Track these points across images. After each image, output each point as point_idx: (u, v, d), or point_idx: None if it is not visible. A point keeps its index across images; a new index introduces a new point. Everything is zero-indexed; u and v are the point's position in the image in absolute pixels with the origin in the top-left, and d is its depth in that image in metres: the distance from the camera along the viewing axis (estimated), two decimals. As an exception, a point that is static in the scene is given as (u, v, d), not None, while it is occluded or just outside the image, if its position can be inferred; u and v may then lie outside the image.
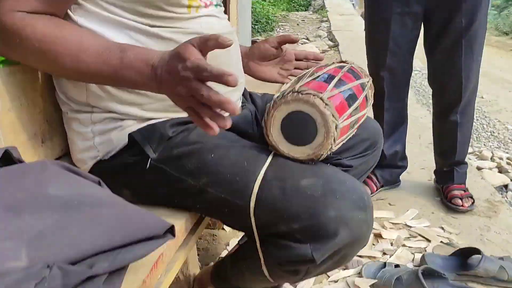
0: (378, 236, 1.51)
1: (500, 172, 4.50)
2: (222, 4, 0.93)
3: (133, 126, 0.80)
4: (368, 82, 0.89)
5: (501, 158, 4.78)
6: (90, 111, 0.81)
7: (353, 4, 11.57)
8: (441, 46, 1.62)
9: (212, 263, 1.18)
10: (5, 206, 0.58)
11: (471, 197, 1.77)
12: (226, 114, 0.60)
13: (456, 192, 1.76)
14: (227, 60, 0.86)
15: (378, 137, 1.04)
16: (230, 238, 1.45)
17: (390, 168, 1.86)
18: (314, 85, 0.77)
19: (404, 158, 1.89)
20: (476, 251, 1.32)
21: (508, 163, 4.67)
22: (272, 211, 0.73)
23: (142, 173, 0.80)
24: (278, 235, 0.74)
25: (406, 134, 1.88)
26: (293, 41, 0.99)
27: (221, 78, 0.56)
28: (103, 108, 0.80)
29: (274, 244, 0.75)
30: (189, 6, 0.79)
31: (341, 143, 0.81)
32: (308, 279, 1.27)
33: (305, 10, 10.01)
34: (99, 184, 0.69)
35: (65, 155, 0.91)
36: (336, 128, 0.74)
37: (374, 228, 1.54)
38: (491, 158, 4.89)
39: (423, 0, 1.56)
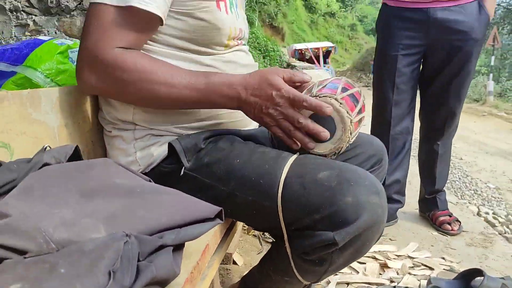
0: (384, 265, 1.57)
1: (488, 226, 4.62)
2: (247, 45, 1.10)
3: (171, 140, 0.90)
4: (361, 90, 1.02)
5: (487, 213, 4.93)
6: (133, 129, 0.91)
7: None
8: (433, 87, 1.87)
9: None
10: (80, 192, 0.66)
11: (458, 221, 1.95)
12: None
13: (443, 218, 1.94)
14: None
15: (383, 154, 1.14)
16: (243, 272, 1.48)
17: (388, 203, 1.95)
18: (326, 90, 0.88)
19: (403, 193, 2.02)
20: (479, 272, 1.39)
21: (494, 218, 4.81)
22: (296, 206, 0.80)
23: (176, 181, 0.88)
24: (304, 228, 0.80)
25: (408, 169, 2.01)
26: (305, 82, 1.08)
27: (320, 109, 0.78)
28: (146, 126, 0.91)
29: (300, 236, 0.82)
30: (226, 45, 0.97)
31: (355, 137, 0.92)
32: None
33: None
34: (150, 182, 0.77)
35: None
36: (351, 122, 0.85)
37: (379, 259, 1.61)
38: (477, 214, 5.05)
39: (423, 46, 1.80)
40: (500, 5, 23.34)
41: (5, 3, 2.23)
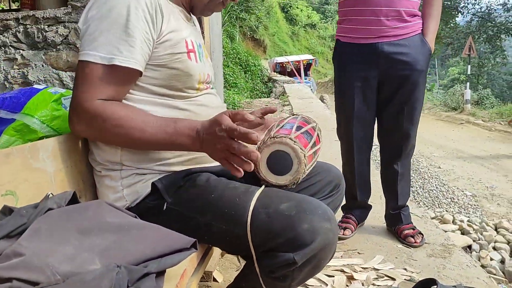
0: (351, 278, 1.73)
1: (462, 234, 4.84)
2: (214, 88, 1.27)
3: (154, 178, 1.05)
4: (316, 125, 1.18)
5: (462, 221, 5.14)
6: (120, 169, 1.06)
7: (311, 89, 12.54)
8: (388, 111, 2.06)
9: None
10: (78, 231, 0.80)
11: (420, 233, 2.14)
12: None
13: (407, 231, 2.13)
14: None
15: (341, 179, 1.31)
16: (222, 288, 1.63)
17: (362, 208, 2.27)
18: (282, 131, 1.05)
19: (369, 199, 2.29)
20: (433, 281, 1.56)
21: (469, 225, 5.03)
22: (262, 232, 0.96)
23: (160, 214, 1.04)
24: (269, 250, 0.96)
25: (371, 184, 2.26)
26: (272, 111, 1.22)
27: (246, 136, 0.88)
28: (132, 166, 1.05)
29: (266, 256, 0.97)
30: (197, 89, 1.14)
31: (311, 167, 1.08)
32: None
33: (268, 97, 10.71)
34: (136, 217, 0.92)
35: (94, 208, 1.13)
36: (304, 156, 1.01)
37: (346, 272, 1.77)
38: (452, 222, 5.25)
39: (376, 76, 2.00)
40: (475, 14, 24.05)
41: (-6, 39, 2.36)
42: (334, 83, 2.14)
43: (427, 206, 6.21)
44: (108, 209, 0.87)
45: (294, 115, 1.21)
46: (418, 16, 1.98)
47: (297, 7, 33.66)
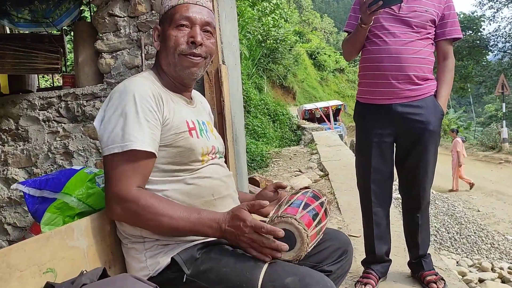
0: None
1: (503, 282, 4.64)
2: (223, 156, 1.44)
3: (174, 250, 1.19)
4: (325, 200, 1.29)
5: (501, 268, 4.93)
6: (143, 241, 1.20)
7: (340, 134, 12.60)
8: (405, 167, 2.18)
9: None
10: (105, 302, 0.94)
11: (442, 279, 2.18)
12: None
13: (430, 278, 2.18)
14: (226, 194, 1.33)
15: (348, 245, 1.40)
16: None
17: (382, 262, 2.27)
18: (290, 210, 1.17)
19: (389, 254, 2.31)
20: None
21: (509, 273, 4.82)
22: None
23: (179, 285, 1.16)
24: None
25: (391, 236, 2.30)
26: (283, 187, 1.43)
27: (273, 233, 1.07)
28: (153, 237, 1.20)
29: None
30: (202, 161, 1.28)
31: (313, 245, 1.19)
32: None
33: (297, 145, 10.83)
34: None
35: (123, 277, 1.26)
36: (307, 236, 1.12)
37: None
38: (491, 269, 5.04)
39: (393, 134, 2.13)
40: (506, 51, 23.80)
41: (39, 114, 2.64)
42: (355, 139, 2.29)
43: (465, 253, 5.99)
44: (132, 281, 1.01)
45: (306, 188, 1.33)
46: (432, 79, 2.10)
47: (325, 53, 34.41)
